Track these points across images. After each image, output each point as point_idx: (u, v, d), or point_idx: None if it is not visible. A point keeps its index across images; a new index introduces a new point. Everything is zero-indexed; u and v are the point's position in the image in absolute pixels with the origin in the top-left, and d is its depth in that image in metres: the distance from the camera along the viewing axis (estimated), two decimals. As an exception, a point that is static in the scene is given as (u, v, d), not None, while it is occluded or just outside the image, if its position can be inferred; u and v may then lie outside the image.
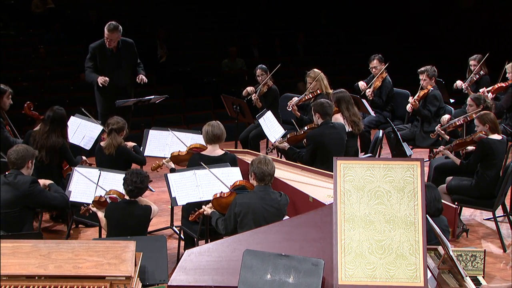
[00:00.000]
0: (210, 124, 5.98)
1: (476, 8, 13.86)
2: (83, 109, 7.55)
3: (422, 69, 8.12)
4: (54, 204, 5.68)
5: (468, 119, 7.14)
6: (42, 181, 5.77)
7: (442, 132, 7.18)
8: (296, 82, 11.03)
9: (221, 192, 5.38)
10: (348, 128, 7.13)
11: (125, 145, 6.55)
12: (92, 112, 8.37)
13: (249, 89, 8.49)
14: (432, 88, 8.04)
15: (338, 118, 7.19)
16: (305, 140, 7.05)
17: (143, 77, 8.26)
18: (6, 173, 5.55)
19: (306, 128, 7.04)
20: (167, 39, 13.07)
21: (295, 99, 8.06)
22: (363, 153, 7.77)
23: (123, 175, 5.33)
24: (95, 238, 5.80)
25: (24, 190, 5.41)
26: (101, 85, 8.00)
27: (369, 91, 8.55)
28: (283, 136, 7.33)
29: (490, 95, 8.12)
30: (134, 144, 6.78)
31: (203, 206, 5.41)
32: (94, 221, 5.75)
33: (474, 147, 6.57)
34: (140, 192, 5.29)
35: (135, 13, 13.97)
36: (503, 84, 8.33)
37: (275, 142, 7.26)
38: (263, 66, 8.51)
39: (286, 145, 7.12)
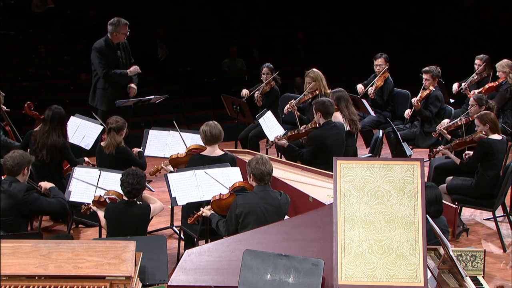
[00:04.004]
0: (207, 124, 5.96)
1: (476, 8, 13.86)
2: (93, 113, 7.52)
3: (427, 68, 8.10)
4: (50, 210, 5.60)
5: (470, 119, 7.14)
6: (43, 184, 5.70)
7: (445, 131, 7.17)
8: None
9: (220, 193, 5.36)
10: (346, 127, 7.14)
11: (125, 146, 6.55)
12: (92, 113, 8.38)
13: (244, 91, 8.52)
14: (434, 89, 8.03)
15: (337, 116, 7.19)
16: (304, 138, 7.05)
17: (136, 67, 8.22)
18: (2, 178, 5.44)
19: (307, 127, 7.03)
20: (167, 39, 13.07)
21: (292, 102, 8.04)
22: (368, 149, 7.76)
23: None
24: (95, 238, 5.80)
25: (19, 198, 5.30)
26: (139, 71, 8.07)
27: (371, 89, 8.54)
28: (283, 135, 7.33)
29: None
30: (139, 149, 6.77)
31: (202, 209, 5.40)
32: (94, 221, 5.75)
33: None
34: (138, 192, 5.28)
35: (135, 13, 13.96)
36: (493, 84, 8.31)
37: (274, 139, 7.25)
38: (271, 65, 8.52)
39: (285, 142, 7.11)
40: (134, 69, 8.09)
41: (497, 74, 8.36)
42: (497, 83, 8.30)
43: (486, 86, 8.32)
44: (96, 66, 8.05)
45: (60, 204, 5.57)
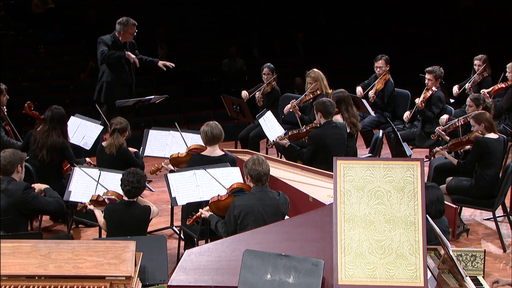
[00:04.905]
0: (208, 124, 5.96)
1: (476, 8, 13.86)
2: (98, 107, 7.49)
3: (430, 68, 8.09)
4: (48, 209, 5.59)
5: (468, 119, 7.13)
6: (38, 186, 5.66)
7: (443, 133, 7.17)
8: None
9: (219, 195, 5.36)
10: (347, 129, 7.13)
11: (126, 147, 6.55)
12: (92, 112, 8.37)
13: (244, 93, 8.52)
14: (436, 89, 8.03)
15: (338, 119, 7.19)
16: (305, 138, 7.05)
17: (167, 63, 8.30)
18: None
19: (308, 127, 7.03)
20: (167, 39, 13.07)
21: (293, 102, 8.04)
22: (368, 149, 7.76)
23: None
24: (95, 238, 5.79)
25: (18, 197, 5.30)
26: (137, 66, 8.11)
27: (371, 93, 8.53)
28: (284, 135, 7.33)
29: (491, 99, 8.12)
30: (135, 150, 6.77)
31: (200, 210, 5.40)
32: (94, 221, 5.75)
33: (471, 146, 6.58)
34: (138, 191, 5.28)
35: (135, 13, 13.92)
36: (503, 85, 8.33)
37: (276, 138, 7.25)
38: (271, 65, 8.50)
39: (286, 141, 7.11)
40: (132, 57, 8.09)
41: (507, 75, 8.36)
42: (507, 84, 8.31)
43: (496, 87, 8.33)
44: (98, 53, 8.07)
45: (58, 204, 5.56)
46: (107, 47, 8.02)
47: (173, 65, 8.48)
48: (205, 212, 5.34)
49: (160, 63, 8.42)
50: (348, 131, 7.11)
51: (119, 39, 8.08)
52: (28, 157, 6.45)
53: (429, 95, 7.99)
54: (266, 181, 5.13)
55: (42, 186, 5.70)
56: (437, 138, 7.51)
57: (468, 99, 7.24)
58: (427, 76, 8.05)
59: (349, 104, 7.28)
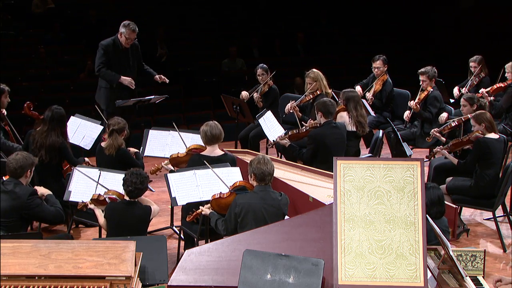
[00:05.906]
0: (207, 124, 5.96)
1: (476, 9, 13.86)
2: (98, 108, 7.44)
3: (423, 70, 8.11)
4: (49, 218, 5.57)
5: (463, 119, 7.13)
6: (41, 190, 5.62)
7: (438, 134, 7.17)
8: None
9: (220, 192, 5.36)
10: (352, 128, 7.13)
11: (125, 148, 6.54)
12: (92, 112, 8.37)
13: (244, 93, 8.52)
14: (432, 89, 8.03)
15: (343, 116, 7.19)
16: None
17: (163, 77, 8.29)
18: (4, 178, 5.41)
19: (308, 126, 7.04)
20: (167, 39, 13.07)
21: (293, 102, 8.04)
22: (368, 149, 7.76)
23: (123, 175, 5.31)
24: (95, 238, 5.79)
25: (22, 201, 5.28)
26: (132, 87, 8.05)
27: (369, 95, 8.53)
28: (284, 134, 7.33)
29: (490, 98, 8.12)
30: (136, 150, 6.77)
31: (201, 207, 5.40)
32: (94, 221, 5.75)
33: (470, 147, 6.58)
34: (140, 192, 5.28)
35: (135, 13, 13.96)
36: (502, 84, 8.34)
37: (276, 138, 7.25)
38: (264, 65, 8.53)
39: (286, 141, 7.11)
40: (128, 81, 8.05)
41: (506, 75, 8.38)
42: (506, 84, 8.32)
43: (495, 86, 8.34)
44: (96, 61, 8.07)
45: (58, 214, 5.53)
46: (105, 57, 7.98)
47: (168, 81, 8.43)
48: (205, 209, 5.34)
49: (157, 76, 8.39)
50: (353, 130, 7.12)
51: (121, 43, 8.05)
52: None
53: (424, 95, 7.99)
54: (270, 181, 5.14)
55: (45, 192, 5.66)
56: (434, 140, 7.50)
57: (462, 99, 7.24)
58: (421, 77, 8.06)
59: (359, 104, 7.29)
